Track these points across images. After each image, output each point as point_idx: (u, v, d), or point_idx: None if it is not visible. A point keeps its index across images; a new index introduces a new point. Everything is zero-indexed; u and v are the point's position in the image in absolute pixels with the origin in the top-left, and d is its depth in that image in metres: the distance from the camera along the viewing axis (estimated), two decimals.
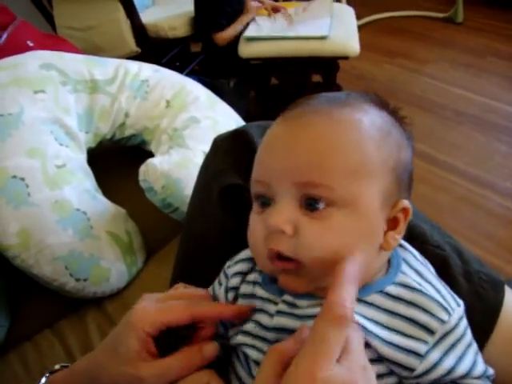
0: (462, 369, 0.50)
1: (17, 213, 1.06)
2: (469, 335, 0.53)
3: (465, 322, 0.53)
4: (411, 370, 0.50)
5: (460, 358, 0.51)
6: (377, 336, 0.50)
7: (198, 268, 0.80)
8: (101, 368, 0.57)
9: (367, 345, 0.50)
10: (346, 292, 0.44)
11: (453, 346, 0.51)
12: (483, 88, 2.95)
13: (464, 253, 0.72)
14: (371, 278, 0.54)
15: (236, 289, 0.62)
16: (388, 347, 0.50)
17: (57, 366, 0.67)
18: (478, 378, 0.52)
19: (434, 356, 0.50)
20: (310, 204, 0.50)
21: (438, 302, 0.52)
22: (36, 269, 1.08)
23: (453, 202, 2.12)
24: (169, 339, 0.57)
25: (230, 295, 0.62)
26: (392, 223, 0.54)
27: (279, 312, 0.54)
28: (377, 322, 0.51)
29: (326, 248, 0.49)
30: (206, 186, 0.82)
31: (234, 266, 0.65)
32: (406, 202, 0.54)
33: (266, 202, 0.54)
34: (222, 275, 0.67)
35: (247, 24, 2.60)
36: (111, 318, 1.15)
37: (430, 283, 0.56)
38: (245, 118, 1.64)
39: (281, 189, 0.52)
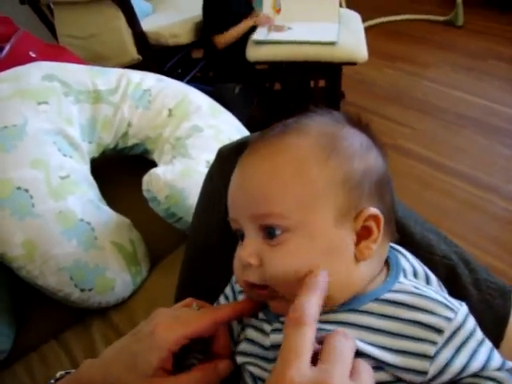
0: (475, 365, 0.49)
1: (21, 224, 1.06)
2: (479, 332, 0.52)
3: (472, 319, 0.52)
4: (423, 373, 0.49)
5: (472, 355, 0.50)
6: (379, 345, 0.50)
7: (205, 279, 0.80)
8: (117, 382, 0.57)
9: (364, 354, 0.49)
10: (305, 297, 0.47)
11: (463, 343, 0.50)
12: (485, 91, 2.95)
13: (471, 262, 0.72)
14: (359, 288, 0.54)
15: None
16: (393, 354, 0.49)
17: (59, 374, 0.66)
18: (498, 370, 0.51)
19: (445, 356, 0.49)
20: (268, 233, 0.53)
21: (440, 302, 0.52)
22: (41, 280, 1.08)
23: (457, 207, 2.12)
24: (180, 353, 0.58)
25: None
26: (364, 232, 0.54)
27: (274, 330, 0.55)
28: (377, 330, 0.51)
29: (288, 270, 0.51)
30: (212, 197, 0.82)
31: None
32: (372, 210, 0.53)
33: (242, 236, 0.57)
34: (228, 289, 0.68)
35: (251, 29, 2.61)
36: (116, 328, 1.15)
37: (430, 289, 0.55)
38: (248, 124, 1.64)
39: (244, 223, 0.55)
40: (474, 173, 2.31)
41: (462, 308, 0.52)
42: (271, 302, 0.55)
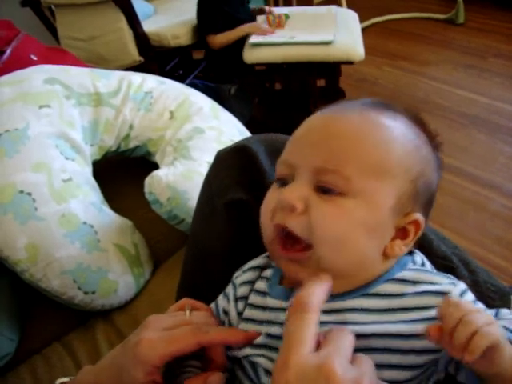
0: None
1: (24, 227, 1.07)
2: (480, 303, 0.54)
3: (471, 294, 0.54)
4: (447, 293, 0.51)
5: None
6: (391, 321, 0.51)
7: (204, 283, 0.81)
8: None
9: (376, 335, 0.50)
10: (311, 287, 0.48)
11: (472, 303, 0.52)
12: (486, 89, 2.95)
13: (471, 263, 0.73)
14: (373, 276, 0.55)
15: (245, 298, 0.63)
16: (405, 325, 0.50)
17: (59, 381, 0.67)
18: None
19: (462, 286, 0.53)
20: (323, 189, 0.52)
21: (442, 275, 0.54)
22: (44, 283, 1.09)
23: (459, 205, 2.12)
24: (174, 364, 0.58)
25: (240, 305, 0.63)
26: (401, 232, 0.55)
27: None
28: (389, 309, 0.52)
29: (334, 230, 0.51)
30: (210, 201, 0.82)
31: (242, 276, 0.66)
32: (418, 216, 0.55)
33: (285, 184, 0.56)
34: (229, 285, 0.68)
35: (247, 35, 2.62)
36: (120, 330, 1.16)
37: (431, 272, 0.57)
38: (249, 124, 1.65)
39: (301, 171, 0.54)
40: (475, 171, 2.30)
41: (462, 283, 0.54)
42: (288, 265, 0.54)
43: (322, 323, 0.51)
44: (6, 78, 1.27)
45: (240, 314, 0.62)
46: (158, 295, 1.21)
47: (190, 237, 0.88)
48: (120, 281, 1.17)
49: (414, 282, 0.52)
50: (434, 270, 0.59)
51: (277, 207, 0.54)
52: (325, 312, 0.53)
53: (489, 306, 0.68)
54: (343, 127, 0.54)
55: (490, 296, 0.70)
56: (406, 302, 0.51)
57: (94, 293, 1.13)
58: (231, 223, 0.79)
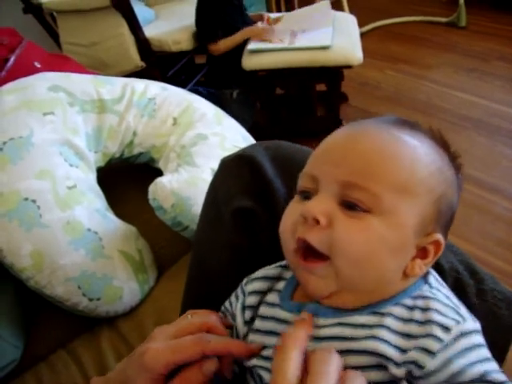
0: (474, 372, 0.48)
1: (29, 235, 1.07)
2: (487, 352, 0.51)
3: (482, 338, 0.52)
4: (422, 367, 0.49)
5: (473, 363, 0.49)
6: (395, 345, 0.50)
7: (210, 291, 0.80)
8: None
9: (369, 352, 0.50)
10: (294, 328, 0.51)
11: (468, 349, 0.49)
12: (488, 92, 2.95)
13: (477, 271, 0.73)
14: (386, 296, 0.54)
15: (253, 308, 0.62)
16: (400, 352, 0.50)
17: None
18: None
19: (447, 354, 0.49)
20: (347, 205, 0.52)
21: (452, 308, 0.52)
22: (49, 290, 1.09)
23: (462, 209, 2.09)
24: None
25: (247, 314, 0.62)
26: (422, 252, 0.55)
27: None
28: (395, 332, 0.51)
29: (357, 247, 0.51)
30: (216, 209, 0.82)
31: (252, 284, 0.65)
32: (439, 236, 0.55)
33: (308, 197, 0.56)
34: (239, 290, 0.67)
35: (246, 40, 2.63)
36: (125, 337, 1.16)
37: (446, 297, 0.56)
38: (252, 129, 1.65)
39: (325, 184, 0.54)
40: (477, 174, 2.30)
41: (474, 324, 0.52)
42: (307, 276, 0.54)
43: (329, 338, 0.52)
44: (10, 85, 1.27)
45: (247, 322, 0.62)
46: (162, 301, 1.21)
47: (195, 244, 0.88)
48: (125, 287, 1.17)
49: (423, 309, 0.52)
50: (450, 296, 0.58)
51: (299, 220, 0.54)
52: (331, 325, 0.53)
53: (495, 314, 0.68)
54: (371, 144, 0.54)
55: (497, 304, 0.69)
56: (412, 328, 0.51)
57: (98, 299, 1.13)
58: (237, 231, 0.78)
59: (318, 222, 0.51)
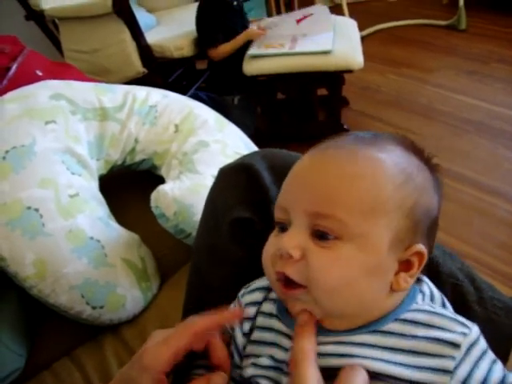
0: (495, 378, 0.50)
1: (32, 243, 1.08)
2: (491, 353, 0.53)
3: (484, 340, 0.53)
4: None
5: (490, 369, 0.50)
6: (399, 363, 0.50)
7: (209, 300, 0.80)
8: None
9: (383, 374, 0.50)
10: (302, 338, 0.52)
11: (481, 357, 0.51)
12: (489, 94, 2.95)
13: (476, 279, 0.73)
14: (384, 313, 0.54)
15: (251, 319, 0.63)
16: (413, 371, 0.50)
17: None
18: None
19: (465, 369, 0.49)
20: (320, 235, 0.52)
21: (454, 320, 0.52)
22: (52, 298, 1.09)
23: (463, 212, 2.11)
24: (183, 364, 0.59)
25: (246, 326, 0.63)
26: (405, 265, 0.55)
27: None
28: (398, 349, 0.51)
29: (331, 276, 0.51)
30: (214, 218, 0.83)
31: (248, 295, 0.66)
32: (420, 247, 0.54)
33: (284, 228, 0.56)
34: (236, 302, 0.68)
35: (247, 44, 2.64)
36: (128, 345, 1.16)
37: (445, 308, 0.56)
38: (253, 135, 1.65)
39: (295, 216, 0.54)
40: (479, 177, 2.30)
41: (475, 327, 0.53)
42: (293, 302, 0.55)
43: (329, 355, 0.52)
44: (12, 94, 1.28)
45: (246, 334, 0.63)
46: (165, 309, 1.21)
47: (194, 253, 0.88)
48: (128, 295, 1.17)
49: (426, 325, 0.52)
50: (447, 305, 0.59)
51: (276, 254, 0.55)
52: (331, 343, 0.53)
53: (494, 322, 0.68)
54: (331, 168, 0.54)
55: (496, 312, 0.70)
56: (417, 345, 0.51)
57: (102, 307, 1.13)
58: (235, 242, 0.79)
59: (291, 256, 0.52)
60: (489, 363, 0.51)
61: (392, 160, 0.55)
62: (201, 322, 0.59)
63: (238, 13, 2.80)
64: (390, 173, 0.54)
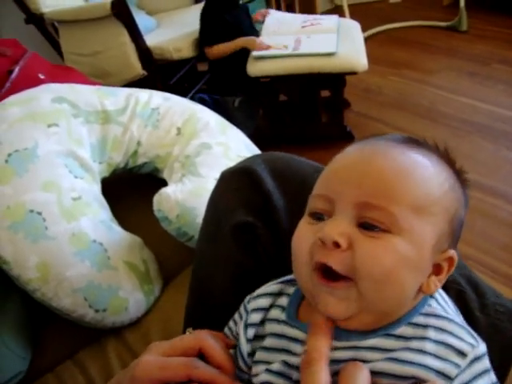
0: None
1: (35, 247, 1.08)
2: (493, 375, 0.52)
3: (488, 361, 0.52)
4: None
5: None
6: (405, 361, 0.50)
7: (211, 306, 0.81)
8: None
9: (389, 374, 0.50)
10: (315, 339, 0.51)
11: (481, 374, 0.50)
12: (490, 96, 2.95)
13: (479, 284, 0.73)
14: (400, 315, 0.54)
15: (256, 325, 0.62)
16: (418, 368, 0.49)
17: None
18: None
19: (463, 378, 0.49)
20: (366, 226, 0.51)
21: (466, 330, 0.52)
22: (55, 301, 1.10)
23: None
24: None
25: (250, 332, 0.62)
26: (436, 269, 0.55)
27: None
28: (407, 348, 0.51)
29: (382, 267, 0.49)
30: (216, 222, 0.82)
31: (255, 301, 0.65)
32: (453, 253, 0.55)
33: (321, 218, 0.55)
34: (241, 309, 0.67)
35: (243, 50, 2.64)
36: (131, 348, 1.16)
37: (458, 316, 0.56)
38: (255, 136, 1.65)
39: (342, 205, 0.52)
40: (481, 179, 2.30)
41: (483, 345, 0.52)
42: (326, 297, 0.52)
43: (339, 361, 0.51)
44: (14, 97, 1.28)
45: (249, 340, 0.62)
46: (168, 312, 1.21)
47: (196, 257, 0.88)
48: (130, 298, 1.17)
49: (438, 329, 0.52)
50: (458, 314, 0.59)
51: (316, 243, 0.52)
52: (342, 348, 0.53)
53: (497, 327, 0.68)
54: (385, 164, 0.53)
55: (499, 318, 0.69)
56: (426, 346, 0.51)
57: (104, 311, 1.13)
58: (237, 246, 0.79)
59: (337, 245, 0.50)
60: (487, 383, 0.51)
61: (438, 168, 0.56)
62: (200, 373, 0.57)
63: (243, 12, 2.81)
64: (438, 179, 0.54)
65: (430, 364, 0.49)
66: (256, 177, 0.79)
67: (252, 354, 0.61)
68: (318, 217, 0.55)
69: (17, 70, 1.51)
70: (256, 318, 0.63)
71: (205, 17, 2.73)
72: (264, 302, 0.64)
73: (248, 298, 0.67)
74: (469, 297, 0.70)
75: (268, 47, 2.54)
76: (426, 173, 0.54)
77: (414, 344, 0.51)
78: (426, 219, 0.52)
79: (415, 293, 0.54)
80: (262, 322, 0.62)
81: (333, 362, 0.52)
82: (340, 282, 0.51)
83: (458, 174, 0.59)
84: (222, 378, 0.58)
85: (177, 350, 0.60)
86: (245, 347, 0.62)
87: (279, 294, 0.64)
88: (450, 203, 0.54)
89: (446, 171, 0.56)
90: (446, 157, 0.59)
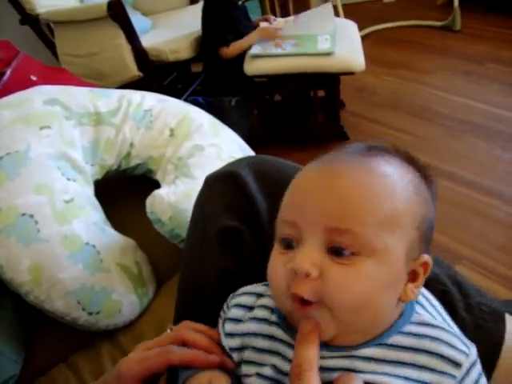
0: None
1: (27, 250, 1.07)
2: (485, 379, 0.53)
3: (479, 362, 0.53)
4: None
5: None
6: (403, 377, 0.50)
7: (198, 310, 0.81)
8: None
9: None
10: (304, 349, 0.50)
11: (477, 381, 0.51)
12: (484, 95, 2.95)
13: (463, 284, 0.73)
14: (386, 326, 0.54)
15: (236, 321, 0.63)
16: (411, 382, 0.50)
17: None
18: None
19: (473, 358, 0.50)
20: (336, 251, 0.50)
21: (458, 338, 0.52)
22: (48, 304, 1.09)
23: (461, 214, 2.11)
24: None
25: (229, 326, 0.63)
26: (411, 275, 0.54)
27: None
28: (400, 362, 0.51)
29: (351, 293, 0.49)
30: (202, 227, 0.82)
31: (237, 298, 0.66)
32: (427, 257, 0.54)
33: (291, 244, 0.54)
34: (224, 306, 0.68)
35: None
36: (125, 350, 1.15)
37: (446, 322, 0.56)
38: (249, 136, 1.65)
39: (309, 232, 0.51)
40: (476, 178, 2.30)
41: (473, 348, 0.53)
42: (306, 320, 0.52)
43: (331, 369, 0.52)
44: (6, 100, 1.27)
45: (228, 334, 0.63)
46: (162, 313, 1.21)
47: (183, 260, 0.87)
48: (124, 300, 1.17)
49: (431, 338, 0.52)
50: (445, 315, 0.59)
51: (289, 274, 0.52)
52: (334, 358, 0.53)
53: (482, 327, 0.68)
54: (347, 184, 0.52)
55: (484, 318, 0.70)
56: (419, 358, 0.51)
57: (98, 313, 1.13)
58: (223, 251, 0.79)
59: (309, 274, 0.49)
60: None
61: (401, 173, 0.55)
62: (177, 356, 0.59)
63: (242, 12, 2.80)
64: (400, 185, 0.53)
65: (426, 379, 0.50)
66: (241, 181, 0.79)
67: (240, 349, 0.61)
68: (288, 243, 0.54)
69: (8, 72, 1.51)
70: (237, 313, 0.63)
71: (211, 18, 2.71)
72: (246, 299, 0.65)
73: (231, 295, 0.68)
74: (454, 297, 0.70)
75: (277, 30, 2.58)
76: (389, 183, 0.53)
77: (408, 357, 0.51)
78: (394, 233, 0.51)
79: (394, 305, 0.53)
80: (244, 320, 0.63)
81: (325, 369, 0.52)
82: (313, 305, 0.51)
83: (423, 171, 0.58)
84: (200, 354, 0.60)
85: (158, 345, 0.62)
86: (224, 341, 0.63)
87: (262, 294, 0.64)
88: (416, 208, 0.53)
89: (409, 173, 0.56)
90: (408, 157, 0.58)
